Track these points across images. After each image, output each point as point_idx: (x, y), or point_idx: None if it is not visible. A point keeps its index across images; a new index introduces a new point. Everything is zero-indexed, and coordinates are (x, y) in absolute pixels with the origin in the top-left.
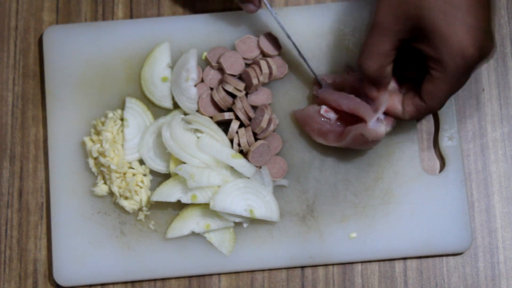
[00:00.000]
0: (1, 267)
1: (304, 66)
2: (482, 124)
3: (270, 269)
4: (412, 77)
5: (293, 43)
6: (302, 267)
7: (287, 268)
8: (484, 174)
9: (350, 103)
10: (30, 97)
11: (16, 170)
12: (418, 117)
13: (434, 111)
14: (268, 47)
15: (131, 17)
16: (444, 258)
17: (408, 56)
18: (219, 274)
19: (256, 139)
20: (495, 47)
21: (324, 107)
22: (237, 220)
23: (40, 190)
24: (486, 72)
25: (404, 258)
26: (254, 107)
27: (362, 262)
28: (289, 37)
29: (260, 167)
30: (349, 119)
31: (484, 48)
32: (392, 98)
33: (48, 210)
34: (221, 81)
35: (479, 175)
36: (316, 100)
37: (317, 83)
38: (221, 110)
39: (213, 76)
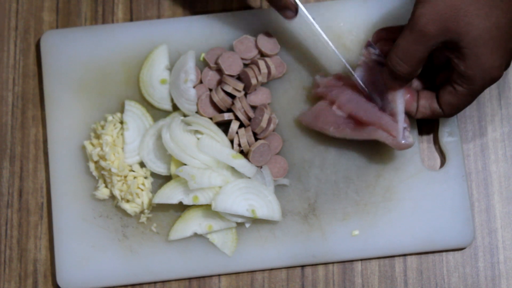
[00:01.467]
0: (1, 267)
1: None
2: (482, 124)
3: (270, 269)
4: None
5: (329, 43)
6: (302, 267)
7: (287, 268)
8: (484, 174)
9: (370, 117)
10: (30, 97)
11: (16, 170)
12: (428, 118)
13: (446, 118)
14: (266, 47)
15: (131, 17)
16: (444, 258)
17: None
18: (221, 274)
19: (256, 139)
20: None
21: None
22: (239, 220)
23: (40, 190)
24: None
25: (406, 255)
26: (254, 107)
27: (364, 259)
28: (326, 41)
29: (261, 167)
30: None
31: (507, 67)
32: (406, 94)
33: (48, 210)
34: (220, 82)
35: (479, 175)
36: (316, 94)
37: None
38: (220, 111)
39: (211, 77)
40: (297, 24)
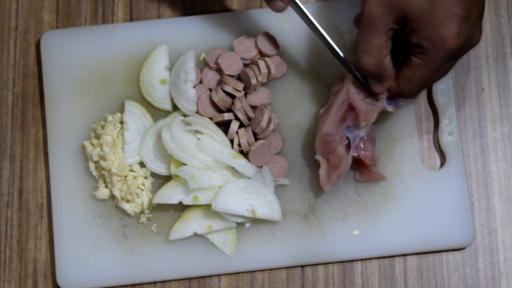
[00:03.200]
0: (1, 267)
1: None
2: (482, 124)
3: (270, 269)
4: None
5: (326, 39)
6: (302, 267)
7: (287, 268)
8: (484, 174)
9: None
10: (30, 97)
11: (16, 170)
12: (388, 96)
13: (404, 96)
14: (266, 47)
15: (131, 17)
16: (444, 258)
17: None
18: (221, 274)
19: (256, 139)
20: (481, 36)
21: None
22: (239, 220)
23: (40, 190)
24: (486, 72)
25: (406, 255)
26: (254, 107)
27: (364, 259)
28: (321, 33)
29: (261, 167)
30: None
31: (470, 37)
32: None
33: (48, 210)
34: (220, 82)
35: (479, 175)
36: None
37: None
38: (220, 111)
39: (211, 77)
40: (297, 23)
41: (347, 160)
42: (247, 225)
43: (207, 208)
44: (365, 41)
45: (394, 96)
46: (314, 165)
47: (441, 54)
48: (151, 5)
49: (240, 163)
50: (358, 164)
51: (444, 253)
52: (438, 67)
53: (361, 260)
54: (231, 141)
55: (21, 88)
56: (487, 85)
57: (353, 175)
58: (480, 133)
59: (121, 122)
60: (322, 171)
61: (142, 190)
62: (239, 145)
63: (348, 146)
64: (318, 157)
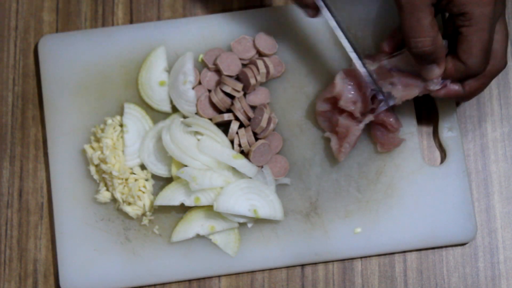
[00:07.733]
0: (1, 267)
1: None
2: (482, 124)
3: (271, 269)
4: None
5: (350, 42)
6: (302, 267)
7: (287, 268)
8: (484, 174)
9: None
10: (30, 97)
11: (16, 170)
12: (459, 79)
13: (474, 71)
14: (264, 47)
15: (131, 17)
16: (444, 258)
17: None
18: (222, 275)
19: (256, 139)
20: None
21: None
22: (241, 220)
23: (40, 190)
24: None
25: (411, 251)
26: (253, 107)
27: (366, 257)
28: (349, 39)
29: (262, 167)
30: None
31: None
32: None
33: (48, 210)
34: (219, 83)
35: (479, 175)
36: None
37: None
38: (220, 111)
39: (210, 78)
40: (297, 23)
41: (356, 128)
42: (249, 225)
43: (209, 209)
44: (414, 26)
45: (462, 78)
46: (315, 164)
47: (484, 11)
48: (151, 5)
49: (241, 163)
50: (377, 135)
51: (444, 253)
52: (489, 27)
53: (363, 257)
54: (231, 142)
55: (21, 88)
56: None
57: (357, 170)
58: (480, 133)
59: (121, 125)
60: (334, 144)
61: (143, 192)
62: (240, 145)
63: (351, 115)
64: (327, 133)
